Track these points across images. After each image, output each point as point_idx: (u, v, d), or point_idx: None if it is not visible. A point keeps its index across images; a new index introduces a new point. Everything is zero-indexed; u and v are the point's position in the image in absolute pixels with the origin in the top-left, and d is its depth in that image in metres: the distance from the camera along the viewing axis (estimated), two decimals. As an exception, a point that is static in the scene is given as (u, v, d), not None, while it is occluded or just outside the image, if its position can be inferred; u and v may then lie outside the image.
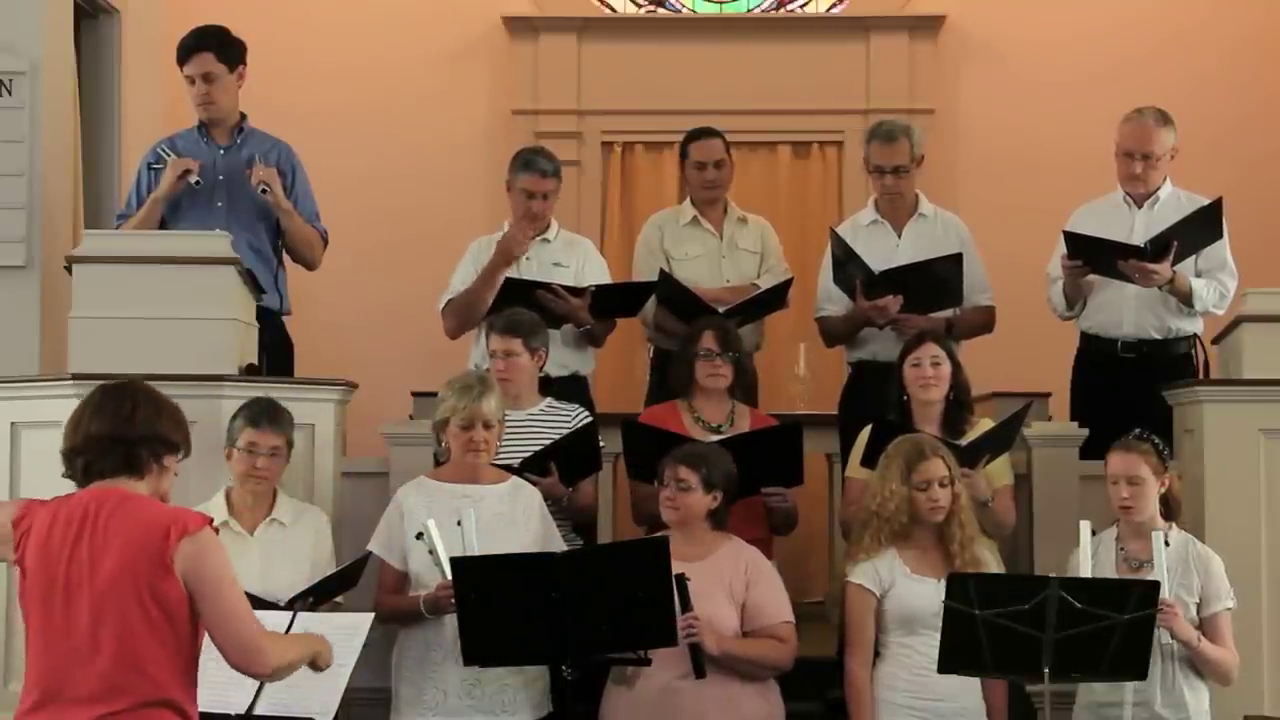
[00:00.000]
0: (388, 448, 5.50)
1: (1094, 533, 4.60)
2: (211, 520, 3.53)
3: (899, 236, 6.02)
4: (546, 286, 5.74)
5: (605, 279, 6.08)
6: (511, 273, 5.85)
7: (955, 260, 5.79)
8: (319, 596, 4.53)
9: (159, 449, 3.57)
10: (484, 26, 8.80)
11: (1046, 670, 4.20)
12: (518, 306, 5.49)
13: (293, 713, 4.03)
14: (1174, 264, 5.67)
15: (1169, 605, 4.48)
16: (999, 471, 5.17)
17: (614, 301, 6.01)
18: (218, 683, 4.02)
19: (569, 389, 5.76)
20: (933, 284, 5.81)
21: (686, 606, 4.45)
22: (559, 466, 5.11)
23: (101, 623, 3.41)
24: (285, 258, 6.07)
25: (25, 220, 6.15)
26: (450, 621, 4.53)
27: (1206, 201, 5.77)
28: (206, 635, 3.52)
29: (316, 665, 3.73)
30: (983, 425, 5.21)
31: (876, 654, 4.69)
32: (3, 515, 3.58)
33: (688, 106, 7.79)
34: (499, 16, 8.79)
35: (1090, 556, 4.53)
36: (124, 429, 3.54)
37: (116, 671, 3.40)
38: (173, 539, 3.43)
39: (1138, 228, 5.88)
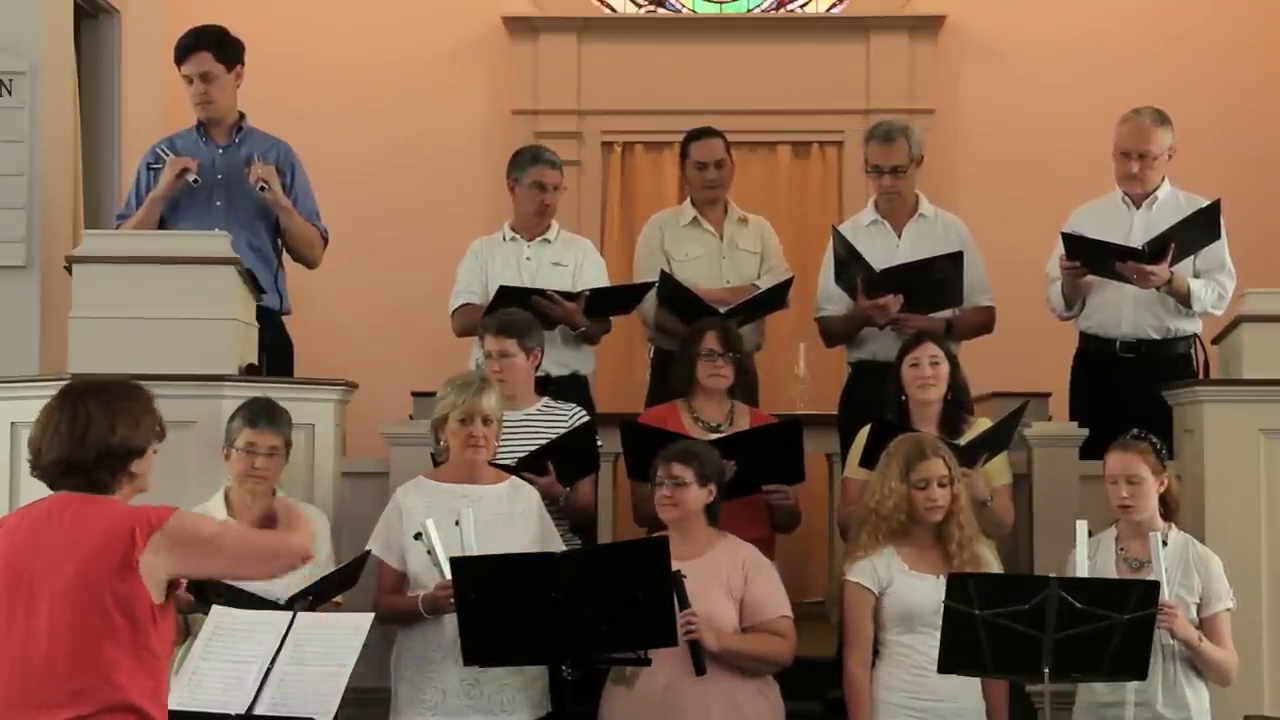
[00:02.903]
0: (388, 448, 5.50)
1: (1090, 533, 4.61)
2: (170, 512, 3.49)
3: (899, 237, 6.02)
4: (541, 293, 5.74)
5: (603, 280, 6.09)
6: (510, 276, 5.86)
7: (955, 259, 5.80)
8: (318, 596, 4.53)
9: (119, 464, 3.50)
10: (484, 26, 8.81)
11: (1046, 670, 4.20)
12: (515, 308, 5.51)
13: (293, 713, 4.03)
14: (1172, 265, 5.67)
15: (1169, 606, 4.48)
16: (997, 471, 5.17)
17: (609, 302, 6.02)
18: (217, 683, 4.03)
19: (569, 388, 5.77)
20: (933, 283, 5.81)
21: (684, 603, 4.45)
22: (556, 466, 5.11)
23: (61, 628, 3.37)
24: (285, 258, 6.07)
25: (25, 220, 6.16)
26: (449, 621, 4.53)
27: (1205, 202, 5.77)
28: (172, 636, 3.53)
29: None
30: (981, 425, 5.21)
31: (876, 653, 4.69)
32: None
33: (688, 106, 7.79)
34: (499, 16, 8.79)
35: (1087, 556, 4.54)
36: (77, 454, 3.47)
37: (76, 677, 3.36)
38: (140, 539, 3.40)
39: (1136, 228, 5.88)
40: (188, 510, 3.67)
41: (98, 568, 3.38)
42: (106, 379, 3.70)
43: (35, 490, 5.03)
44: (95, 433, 3.48)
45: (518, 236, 6.06)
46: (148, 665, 3.43)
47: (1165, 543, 4.55)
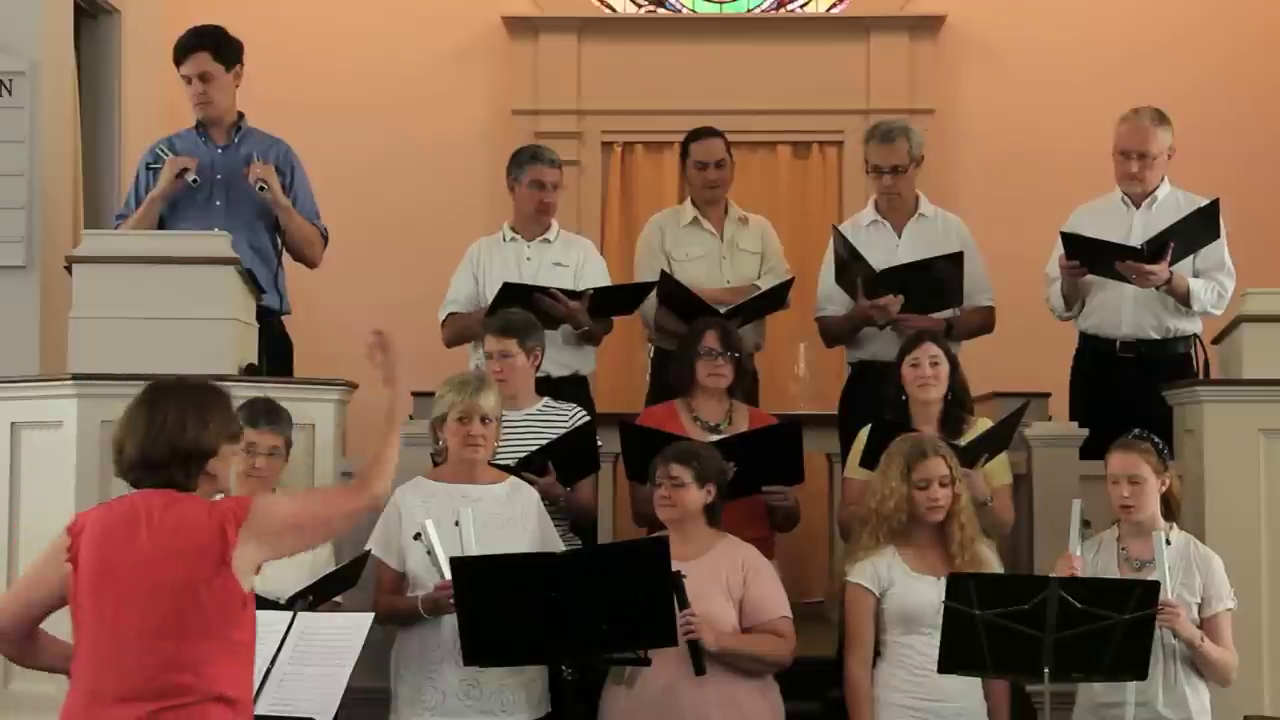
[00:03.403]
0: (388, 448, 5.49)
1: (1087, 523, 4.60)
2: (251, 501, 3.59)
3: (899, 237, 6.02)
4: (545, 291, 5.74)
5: (604, 279, 6.08)
6: (511, 276, 5.86)
7: (956, 260, 5.80)
8: (319, 596, 4.53)
9: (194, 464, 3.57)
10: (484, 26, 8.81)
11: (1046, 670, 4.20)
12: (515, 308, 5.50)
13: (293, 713, 4.03)
14: (1171, 264, 5.67)
15: (1171, 605, 4.48)
16: (998, 471, 5.17)
17: (612, 302, 6.01)
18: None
19: (569, 389, 5.76)
20: (934, 283, 5.81)
21: (683, 604, 4.45)
22: (556, 466, 5.11)
23: (156, 625, 3.44)
24: (285, 257, 6.07)
25: (25, 220, 6.16)
26: (448, 622, 4.52)
27: (1204, 202, 5.77)
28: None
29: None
30: (981, 425, 5.21)
31: (877, 654, 4.69)
32: (59, 541, 3.61)
33: (688, 106, 7.79)
34: (499, 16, 8.79)
35: (1079, 536, 4.53)
36: (154, 452, 3.54)
37: (170, 672, 3.43)
38: (232, 536, 3.48)
39: (1136, 228, 5.89)
40: None
41: (194, 567, 3.46)
42: (186, 378, 3.78)
43: (36, 490, 5.07)
44: (169, 432, 3.55)
45: (518, 237, 6.06)
46: (239, 653, 3.53)
47: (1168, 542, 4.56)
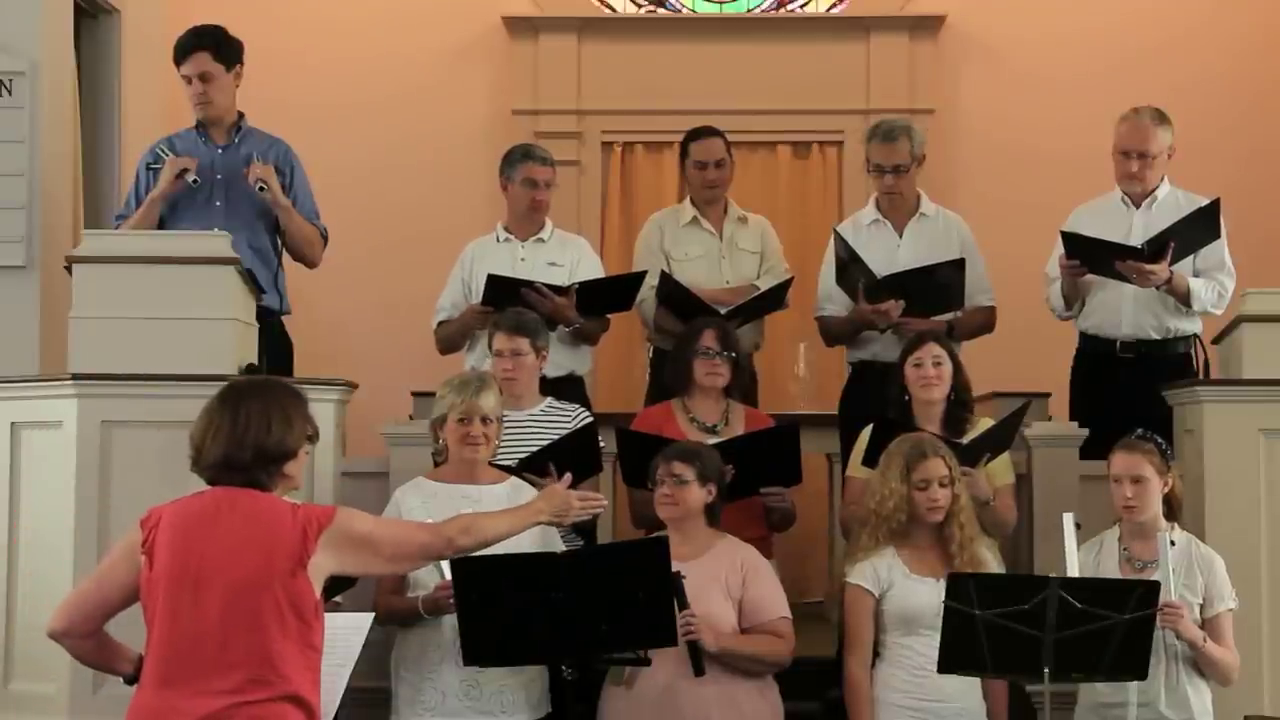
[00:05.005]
0: (388, 448, 5.50)
1: (1078, 525, 4.60)
2: (335, 510, 3.67)
3: (900, 236, 6.02)
4: (530, 285, 5.73)
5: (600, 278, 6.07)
6: (501, 270, 5.85)
7: (958, 265, 5.80)
8: (319, 595, 4.52)
9: (275, 464, 3.63)
10: (484, 26, 8.81)
11: (1046, 670, 4.20)
12: (507, 306, 5.49)
13: (293, 713, 4.03)
14: (1171, 264, 5.67)
15: (1174, 606, 4.48)
16: (1000, 471, 5.17)
17: (603, 297, 5.99)
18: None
19: (564, 389, 5.75)
20: (935, 288, 5.81)
21: (683, 604, 4.44)
22: (558, 467, 5.10)
23: (236, 618, 3.48)
24: (285, 257, 6.07)
25: (25, 220, 6.16)
26: (448, 622, 4.52)
27: (1205, 201, 5.77)
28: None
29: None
30: (983, 425, 5.21)
31: (876, 654, 4.69)
32: (130, 536, 3.65)
33: (688, 106, 7.78)
34: (499, 16, 8.79)
35: (1075, 550, 4.53)
36: (237, 454, 3.59)
37: (249, 665, 3.47)
38: (311, 539, 3.54)
39: (1136, 227, 5.89)
40: None
41: (273, 564, 3.51)
42: (263, 380, 3.87)
43: (36, 490, 5.07)
44: (254, 433, 3.60)
45: (511, 237, 6.05)
46: (310, 660, 3.57)
47: (1172, 543, 4.55)
